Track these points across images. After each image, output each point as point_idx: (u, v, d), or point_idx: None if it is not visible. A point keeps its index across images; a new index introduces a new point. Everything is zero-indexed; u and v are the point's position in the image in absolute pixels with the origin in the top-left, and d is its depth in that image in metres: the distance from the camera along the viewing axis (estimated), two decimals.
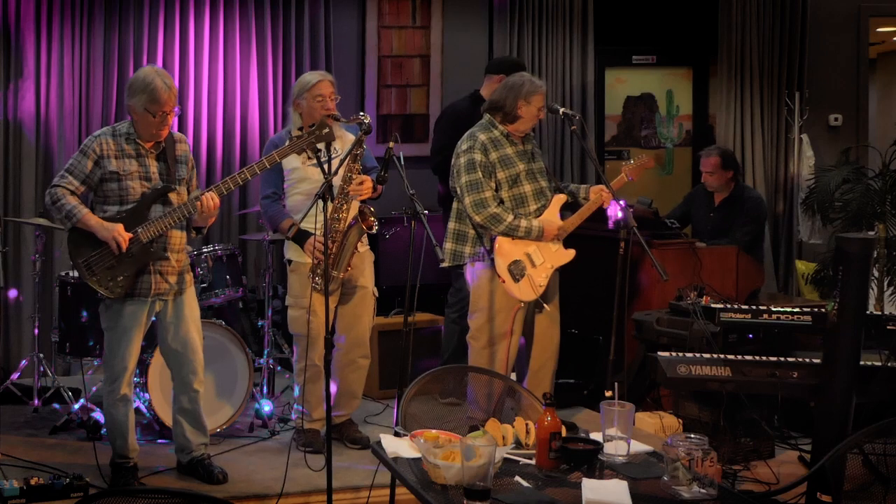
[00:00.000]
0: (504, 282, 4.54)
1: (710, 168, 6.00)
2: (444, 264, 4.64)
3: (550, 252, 4.65)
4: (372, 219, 4.45)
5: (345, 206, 4.45)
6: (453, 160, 4.69)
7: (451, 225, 4.72)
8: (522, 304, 4.61)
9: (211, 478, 4.20)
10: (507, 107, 4.60)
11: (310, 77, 4.66)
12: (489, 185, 4.57)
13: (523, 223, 4.56)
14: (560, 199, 4.72)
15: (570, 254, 4.69)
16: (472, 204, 4.55)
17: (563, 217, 4.72)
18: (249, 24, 6.33)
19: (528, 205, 4.64)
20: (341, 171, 4.34)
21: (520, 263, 4.57)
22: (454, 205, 4.73)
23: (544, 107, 4.66)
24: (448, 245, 4.72)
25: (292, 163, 4.53)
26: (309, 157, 4.38)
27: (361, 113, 4.41)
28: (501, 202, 4.59)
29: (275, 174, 4.61)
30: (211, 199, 4.00)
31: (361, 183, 4.45)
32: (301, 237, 4.50)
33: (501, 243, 4.57)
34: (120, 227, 3.96)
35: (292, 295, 4.66)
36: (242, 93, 6.34)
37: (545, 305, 4.65)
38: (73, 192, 3.99)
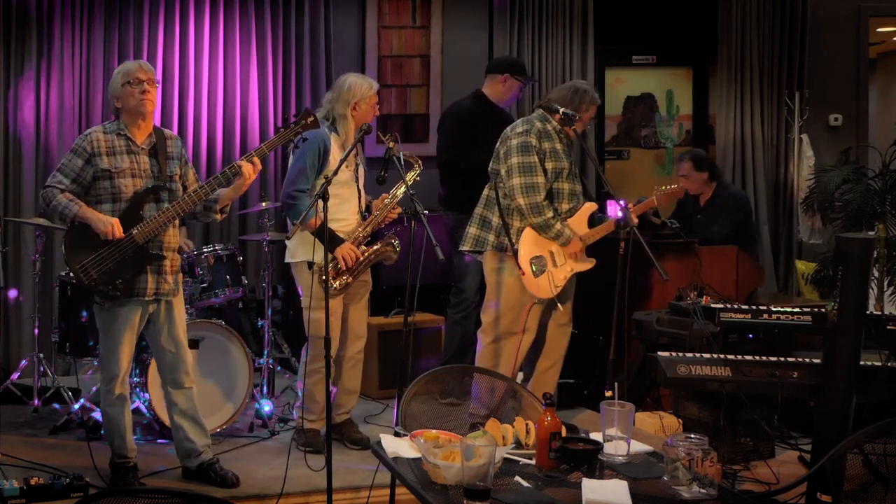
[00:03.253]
0: (524, 274, 4.53)
1: (684, 172, 6.05)
2: (465, 247, 4.68)
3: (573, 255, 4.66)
4: (394, 255, 4.70)
5: (375, 224, 4.64)
6: (500, 143, 4.66)
7: (478, 210, 4.72)
8: (537, 301, 4.60)
9: (226, 482, 4.17)
10: (571, 110, 4.58)
11: (366, 83, 4.62)
12: (541, 171, 4.56)
13: (558, 226, 4.56)
14: (590, 207, 4.72)
15: (591, 262, 4.70)
16: (521, 186, 4.52)
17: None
18: (249, 24, 6.33)
19: (562, 202, 4.64)
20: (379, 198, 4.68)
21: (542, 259, 4.57)
22: (485, 191, 4.73)
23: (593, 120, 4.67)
24: (472, 230, 4.71)
25: (334, 165, 4.46)
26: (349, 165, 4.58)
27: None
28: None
29: (313, 170, 4.54)
30: (245, 165, 3.99)
31: (394, 208, 4.67)
32: (332, 241, 4.47)
33: (528, 236, 4.56)
34: (116, 220, 3.94)
35: (315, 297, 4.52)
36: (242, 93, 6.34)
37: (559, 305, 4.63)
38: (63, 191, 3.98)
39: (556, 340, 4.76)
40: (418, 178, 4.69)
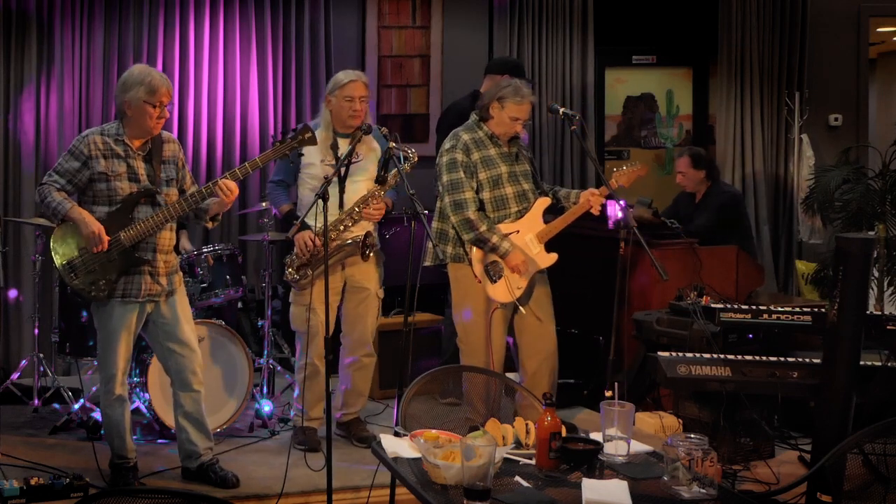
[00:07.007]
0: (480, 282, 4.52)
1: (682, 168, 6.05)
2: (427, 263, 4.65)
3: (530, 255, 4.61)
4: (370, 252, 4.58)
5: (355, 220, 4.57)
6: (437, 159, 4.69)
7: (435, 224, 4.71)
8: (500, 306, 4.58)
9: (225, 482, 4.18)
10: (484, 103, 4.62)
11: (343, 76, 4.66)
12: (470, 186, 4.55)
13: (494, 239, 4.50)
14: (543, 202, 4.69)
15: (552, 258, 4.63)
16: (451, 203, 4.55)
17: (546, 220, 4.68)
18: (249, 24, 6.33)
19: (509, 207, 4.61)
20: (364, 187, 4.57)
21: (497, 265, 4.53)
22: (437, 204, 4.73)
23: (521, 120, 4.56)
24: (430, 245, 4.70)
25: (311, 158, 4.59)
26: (328, 158, 4.57)
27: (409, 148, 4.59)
28: (481, 204, 4.58)
29: (289, 164, 4.66)
30: (225, 185, 3.99)
31: (379, 208, 4.60)
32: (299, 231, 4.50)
33: None
34: (102, 228, 3.95)
35: (294, 292, 4.68)
36: (242, 93, 6.34)
37: (521, 308, 4.59)
38: (59, 190, 4.00)
39: (538, 342, 4.68)
40: (408, 170, 4.63)
